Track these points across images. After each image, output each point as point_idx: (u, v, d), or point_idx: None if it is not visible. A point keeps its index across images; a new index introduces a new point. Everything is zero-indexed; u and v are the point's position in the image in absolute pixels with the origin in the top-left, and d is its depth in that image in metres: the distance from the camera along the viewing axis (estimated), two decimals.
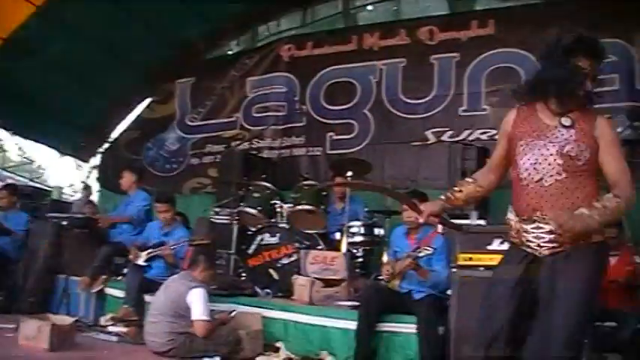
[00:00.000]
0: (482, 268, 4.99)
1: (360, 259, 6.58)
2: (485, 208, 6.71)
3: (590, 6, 7.98)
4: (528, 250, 3.02)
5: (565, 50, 2.94)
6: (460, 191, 3.35)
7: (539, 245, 2.97)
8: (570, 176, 2.92)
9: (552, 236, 2.89)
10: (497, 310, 3.03)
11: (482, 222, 6.13)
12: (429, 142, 8.28)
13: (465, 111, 8.25)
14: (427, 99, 8.43)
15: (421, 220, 3.38)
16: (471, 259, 5.03)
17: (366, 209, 6.90)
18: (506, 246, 3.39)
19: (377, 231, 6.52)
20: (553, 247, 2.92)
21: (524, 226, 3.02)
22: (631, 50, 7.72)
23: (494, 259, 4.91)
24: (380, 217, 6.67)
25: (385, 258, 6.05)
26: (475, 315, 4.72)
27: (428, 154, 8.22)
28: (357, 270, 6.51)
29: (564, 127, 2.96)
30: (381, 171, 8.22)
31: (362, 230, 6.48)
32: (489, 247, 4.99)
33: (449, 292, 5.14)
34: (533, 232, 2.98)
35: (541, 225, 2.94)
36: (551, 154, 2.96)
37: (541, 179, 2.96)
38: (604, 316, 5.68)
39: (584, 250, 2.86)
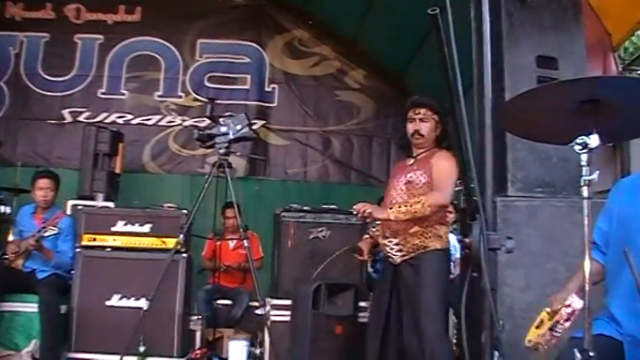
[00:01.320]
0: (109, 249, 5.26)
1: None
2: (115, 189, 6.94)
3: (231, 8, 8.68)
4: (389, 259, 3.94)
5: (408, 107, 4.07)
6: (377, 231, 4.18)
7: (394, 255, 3.90)
8: (412, 198, 3.79)
9: (398, 247, 3.86)
10: (381, 307, 3.96)
11: (109, 204, 6.33)
12: (65, 122, 8.18)
13: (103, 93, 8.31)
14: (67, 77, 8.29)
15: (365, 258, 4.31)
16: (95, 239, 5.25)
17: None
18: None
19: (3, 209, 6.24)
20: (402, 255, 3.85)
21: (384, 241, 3.96)
22: (264, 54, 8.59)
23: (118, 240, 5.26)
24: (7, 195, 6.45)
25: (11, 237, 5.93)
26: (97, 294, 5.02)
27: (63, 133, 8.12)
28: None
29: (409, 165, 3.99)
30: (13, 147, 7.89)
31: None
32: (113, 229, 5.27)
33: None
34: (388, 245, 3.93)
35: (392, 239, 3.89)
36: (399, 184, 3.95)
37: (392, 202, 3.88)
38: (220, 295, 6.33)
39: (425, 256, 3.78)
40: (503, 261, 3.50)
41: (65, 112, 8.20)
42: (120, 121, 8.16)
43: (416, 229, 3.80)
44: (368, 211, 3.83)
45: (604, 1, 4.68)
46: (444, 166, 3.83)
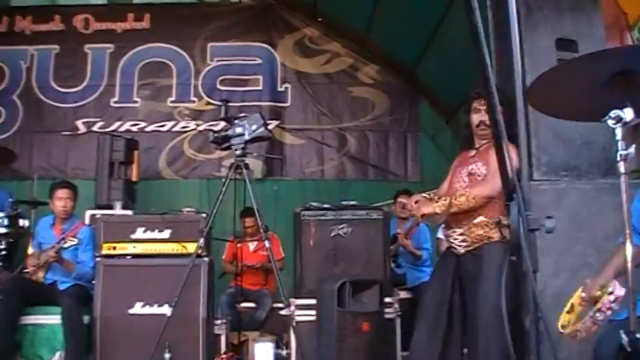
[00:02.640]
0: (128, 257, 5.21)
1: (4, 252, 6.27)
2: (132, 197, 6.90)
3: (240, 10, 8.70)
4: (454, 250, 3.82)
5: (473, 97, 3.86)
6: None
7: (457, 245, 3.78)
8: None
9: (462, 237, 3.74)
10: (441, 304, 3.79)
11: (127, 212, 6.27)
12: (79, 133, 8.17)
13: (116, 102, 8.31)
14: (79, 88, 8.29)
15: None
16: (115, 248, 5.20)
17: (10, 200, 6.60)
18: None
19: (22, 222, 6.23)
20: (466, 246, 3.73)
21: (449, 232, 3.85)
22: (275, 54, 8.56)
23: (138, 247, 5.21)
24: (25, 208, 6.45)
25: (30, 250, 5.91)
26: (119, 303, 4.97)
27: (77, 144, 8.11)
28: (1, 263, 6.22)
29: (471, 157, 3.86)
30: (29, 160, 7.93)
31: (6, 222, 6.13)
32: (133, 236, 5.22)
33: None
34: (452, 235, 3.82)
35: (456, 229, 3.78)
36: (462, 176, 3.84)
37: (454, 193, 3.75)
38: (242, 298, 6.28)
39: (488, 247, 3.61)
40: None
41: (79, 123, 8.19)
42: (134, 129, 8.15)
43: (481, 219, 3.69)
44: (416, 205, 3.79)
45: None
46: None
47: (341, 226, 5.34)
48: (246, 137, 5.08)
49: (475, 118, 3.87)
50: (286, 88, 8.57)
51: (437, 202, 3.73)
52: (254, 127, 5.09)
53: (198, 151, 8.28)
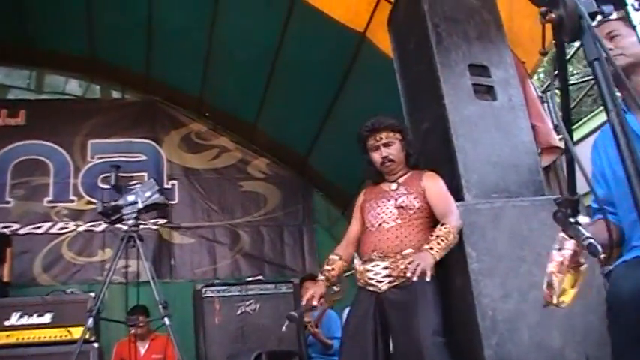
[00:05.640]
0: (2, 348, 4.53)
1: None
2: None
3: (122, 106, 8.41)
4: (371, 288, 3.36)
5: (365, 135, 3.60)
6: (333, 269, 3.56)
7: (378, 281, 3.34)
8: (405, 223, 3.39)
9: (386, 271, 3.32)
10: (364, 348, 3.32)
11: None
12: None
13: None
14: None
15: (315, 303, 3.45)
16: None
17: None
18: None
19: None
20: (391, 282, 3.31)
21: (366, 266, 3.40)
22: (160, 151, 8.22)
23: (13, 336, 4.51)
24: None
25: None
26: None
27: None
28: None
29: (393, 190, 3.52)
30: None
31: None
32: (7, 323, 4.58)
33: None
34: (372, 270, 3.36)
35: (378, 262, 3.35)
36: (387, 207, 3.47)
37: (380, 225, 3.44)
38: None
39: (418, 282, 3.05)
40: (476, 269, 3.19)
41: None
42: (6, 231, 7.30)
43: (410, 250, 3.29)
44: (422, 268, 3.01)
45: (513, 30, 4.66)
46: (441, 187, 3.47)
47: (248, 302, 4.91)
48: (140, 206, 4.62)
49: (376, 157, 3.59)
50: (173, 185, 8.19)
51: (432, 248, 3.16)
52: (148, 193, 4.66)
53: (78, 254, 7.58)
